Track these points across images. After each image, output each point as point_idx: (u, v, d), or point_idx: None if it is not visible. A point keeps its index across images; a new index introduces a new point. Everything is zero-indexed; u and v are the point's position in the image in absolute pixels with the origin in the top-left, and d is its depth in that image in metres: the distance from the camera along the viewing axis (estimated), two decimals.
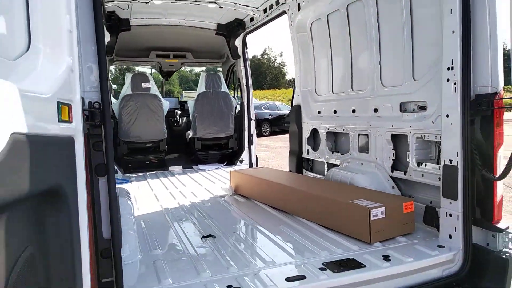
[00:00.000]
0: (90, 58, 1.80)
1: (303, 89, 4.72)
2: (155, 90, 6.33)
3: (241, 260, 2.43)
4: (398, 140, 3.33)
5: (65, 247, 1.35)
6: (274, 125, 21.41)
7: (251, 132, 6.47)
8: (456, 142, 2.47)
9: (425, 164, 3.00)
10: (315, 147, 4.61)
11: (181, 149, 7.22)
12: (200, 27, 6.20)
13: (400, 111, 3.26)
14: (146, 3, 4.87)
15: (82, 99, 1.62)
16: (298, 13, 4.48)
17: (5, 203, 0.93)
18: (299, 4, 4.42)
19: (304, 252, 2.53)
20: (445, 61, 2.54)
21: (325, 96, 4.41)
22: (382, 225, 2.64)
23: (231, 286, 2.07)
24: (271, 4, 4.94)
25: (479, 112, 2.38)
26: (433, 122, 2.84)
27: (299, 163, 4.81)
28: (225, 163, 6.71)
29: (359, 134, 3.78)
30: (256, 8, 5.24)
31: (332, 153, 4.23)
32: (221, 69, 7.83)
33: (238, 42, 6.29)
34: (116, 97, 6.72)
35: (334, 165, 4.17)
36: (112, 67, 8.54)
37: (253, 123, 6.50)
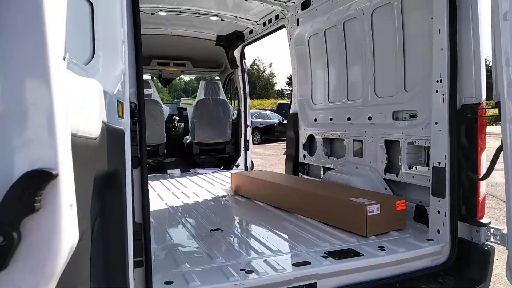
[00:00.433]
0: (131, 64, 2.05)
1: (300, 98, 5.02)
2: (156, 96, 6.55)
3: (250, 250, 2.67)
4: (390, 146, 3.62)
5: (117, 226, 1.57)
6: (265, 134, 21.74)
7: (247, 138, 6.74)
8: (444, 147, 2.77)
9: (416, 167, 3.29)
10: (311, 152, 4.89)
11: (179, 153, 7.43)
12: (201, 37, 6.48)
13: (393, 119, 3.57)
14: (152, 14, 5.12)
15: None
16: (297, 28, 4.78)
17: (98, 176, 1.16)
18: (298, 20, 4.73)
19: (307, 243, 2.78)
20: (434, 75, 2.85)
21: (321, 105, 4.70)
22: (377, 220, 2.91)
23: (244, 269, 2.30)
24: (271, 19, 5.24)
25: (465, 120, 2.69)
26: (423, 129, 3.14)
27: (296, 167, 5.08)
28: (222, 167, 6.94)
29: (354, 140, 4.07)
30: (256, 22, 5.54)
31: (328, 158, 4.51)
32: (218, 78, 8.10)
33: (236, 53, 6.57)
34: None
35: (330, 169, 4.44)
36: None
37: (249, 130, 6.77)
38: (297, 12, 4.70)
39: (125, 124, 1.67)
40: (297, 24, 4.77)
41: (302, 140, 4.97)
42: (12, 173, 0.75)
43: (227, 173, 5.91)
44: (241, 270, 2.29)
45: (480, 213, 2.71)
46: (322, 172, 4.68)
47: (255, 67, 67.99)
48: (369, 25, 3.77)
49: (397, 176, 3.47)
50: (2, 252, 0.72)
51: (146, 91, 6.37)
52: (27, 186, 0.74)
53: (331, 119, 4.46)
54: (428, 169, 3.07)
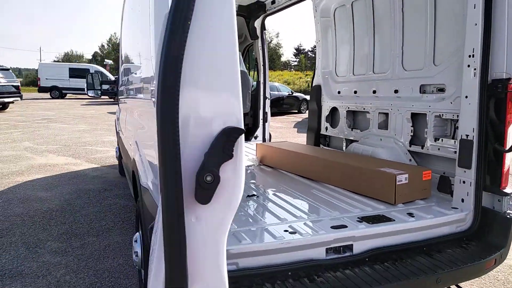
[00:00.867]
0: None
1: (323, 70, 5.10)
2: None
3: (288, 214, 2.87)
4: (416, 118, 3.75)
5: None
6: (273, 106, 21.77)
7: (266, 110, 6.87)
8: (473, 120, 2.90)
9: (442, 139, 3.43)
10: (333, 124, 5.03)
11: None
12: None
13: (420, 92, 3.68)
14: None
15: None
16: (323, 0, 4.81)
17: None
18: None
19: (339, 209, 2.97)
20: (466, 49, 2.93)
21: (345, 77, 4.79)
22: (405, 189, 3.09)
23: (288, 230, 2.50)
24: None
25: (495, 94, 2.80)
26: (451, 103, 3.26)
27: (317, 139, 5.23)
28: None
29: (379, 113, 4.19)
30: None
31: (352, 130, 4.65)
32: None
33: (257, 24, 6.58)
34: None
35: (352, 141, 4.59)
36: None
37: (267, 102, 6.88)
38: None
39: None
40: None
41: (325, 112, 5.09)
42: (212, 130, 1.04)
43: (247, 144, 6.08)
44: (285, 231, 2.49)
45: (504, 183, 2.87)
46: (344, 144, 4.83)
47: None
48: None
49: (422, 148, 3.62)
50: (210, 189, 0.98)
51: None
52: (227, 138, 1.01)
53: (355, 92, 4.56)
54: (455, 142, 3.22)
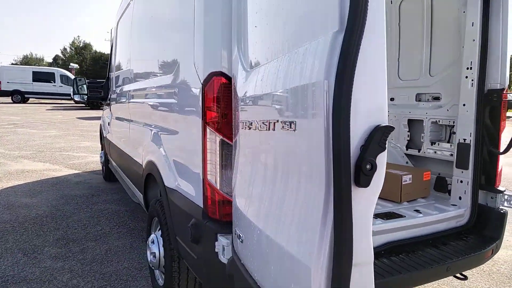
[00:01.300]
0: None
1: None
2: None
3: None
4: (413, 124, 4.05)
5: None
6: None
7: None
8: (470, 125, 3.20)
9: (438, 143, 3.74)
10: None
11: None
12: None
13: (416, 100, 3.99)
14: None
15: None
16: None
17: None
18: None
19: None
20: (464, 62, 3.25)
21: None
22: (409, 188, 3.35)
23: None
24: None
25: (490, 103, 3.13)
26: (448, 110, 3.58)
27: None
28: None
29: None
30: None
31: None
32: None
33: None
34: None
35: None
36: None
37: None
38: None
39: None
40: None
41: None
42: (369, 127, 1.29)
43: None
44: None
45: (498, 182, 3.19)
46: None
47: None
48: (396, 12, 4.12)
49: (419, 152, 3.92)
50: (369, 175, 1.23)
51: None
52: (383, 133, 1.24)
53: None
54: (450, 145, 3.53)
